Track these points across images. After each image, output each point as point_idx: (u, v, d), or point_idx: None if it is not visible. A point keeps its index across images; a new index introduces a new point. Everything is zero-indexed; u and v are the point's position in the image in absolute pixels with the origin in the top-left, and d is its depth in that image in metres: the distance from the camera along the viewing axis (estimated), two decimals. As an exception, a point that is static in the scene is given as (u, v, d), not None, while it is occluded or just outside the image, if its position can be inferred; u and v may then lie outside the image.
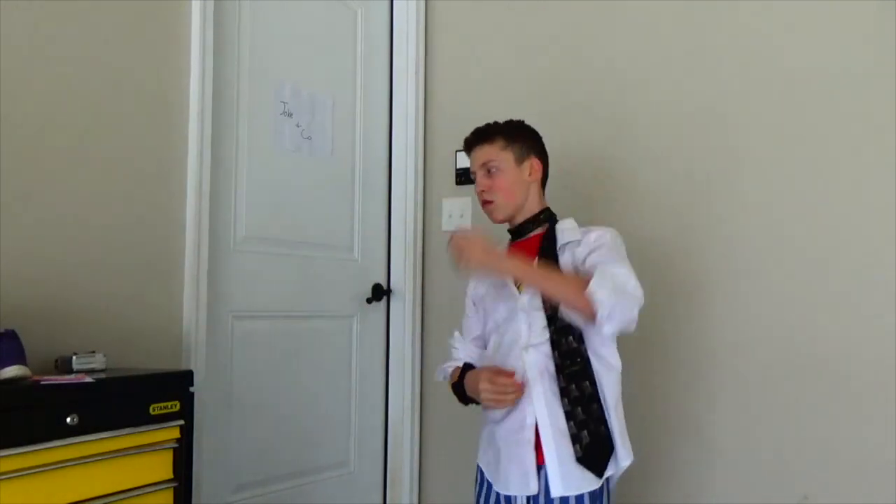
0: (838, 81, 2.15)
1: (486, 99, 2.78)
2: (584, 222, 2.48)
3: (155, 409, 1.83)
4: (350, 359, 2.90)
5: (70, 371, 1.87)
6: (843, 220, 2.13)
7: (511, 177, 1.87)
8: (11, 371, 1.68)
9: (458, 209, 2.81)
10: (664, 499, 2.35)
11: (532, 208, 1.90)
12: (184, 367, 2.26)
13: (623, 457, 1.72)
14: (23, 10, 1.96)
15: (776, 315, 2.21)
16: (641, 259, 2.44)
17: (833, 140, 2.16)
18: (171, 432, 1.87)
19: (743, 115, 2.29)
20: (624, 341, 2.45)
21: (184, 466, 1.89)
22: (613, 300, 1.61)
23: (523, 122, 1.99)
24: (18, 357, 1.70)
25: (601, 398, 1.71)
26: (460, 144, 2.85)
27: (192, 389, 1.94)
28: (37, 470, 1.60)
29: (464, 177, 2.80)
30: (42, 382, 1.69)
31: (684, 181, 2.37)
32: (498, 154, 1.87)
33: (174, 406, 1.87)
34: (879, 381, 2.05)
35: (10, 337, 1.72)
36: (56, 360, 1.91)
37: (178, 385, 1.92)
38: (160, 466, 1.85)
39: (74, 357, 1.89)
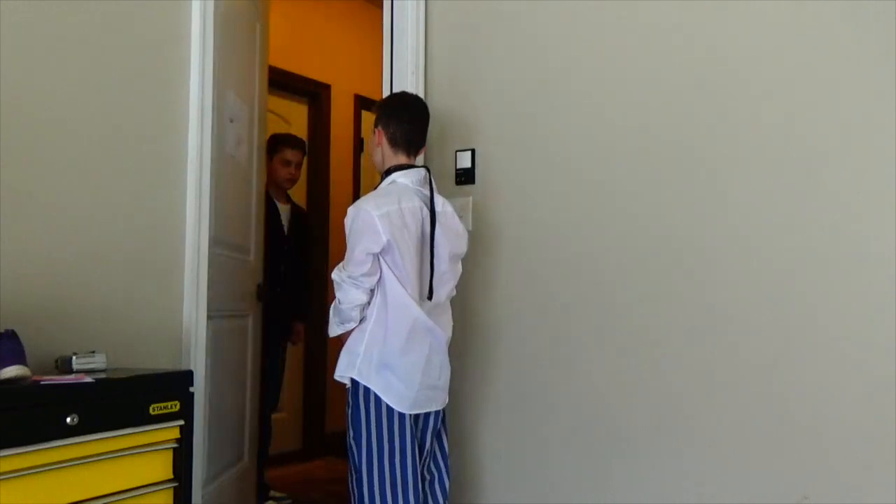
0: (837, 80, 2.15)
1: (485, 99, 2.78)
2: (576, 215, 2.49)
3: (155, 409, 1.83)
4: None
5: (70, 371, 1.87)
6: (843, 216, 2.12)
7: (370, 143, 2.40)
8: (11, 371, 1.68)
9: (458, 209, 2.81)
10: (663, 498, 2.35)
11: (385, 165, 2.32)
12: (184, 367, 2.26)
13: (340, 367, 2.22)
14: (23, 12, 1.96)
15: (775, 313, 2.21)
16: (638, 254, 2.44)
17: (833, 136, 2.16)
18: (171, 432, 1.87)
19: (741, 113, 2.29)
20: (621, 341, 2.45)
21: (184, 466, 1.89)
22: (336, 324, 2.21)
23: (382, 98, 2.47)
24: (18, 357, 1.70)
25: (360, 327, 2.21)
26: (460, 144, 2.86)
27: (191, 389, 1.94)
28: (37, 470, 1.60)
29: (464, 177, 2.80)
30: (42, 382, 1.69)
31: (679, 179, 2.37)
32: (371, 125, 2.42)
33: (174, 406, 1.87)
34: (880, 379, 2.04)
35: (10, 337, 1.72)
36: (56, 360, 1.91)
37: (178, 385, 1.92)
38: (160, 466, 1.86)
39: (74, 357, 1.89)
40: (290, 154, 3.58)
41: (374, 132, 2.36)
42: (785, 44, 2.24)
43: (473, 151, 2.80)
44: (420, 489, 2.18)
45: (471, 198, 2.76)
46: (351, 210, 2.19)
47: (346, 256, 2.18)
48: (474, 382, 2.71)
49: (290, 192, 3.76)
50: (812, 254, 2.17)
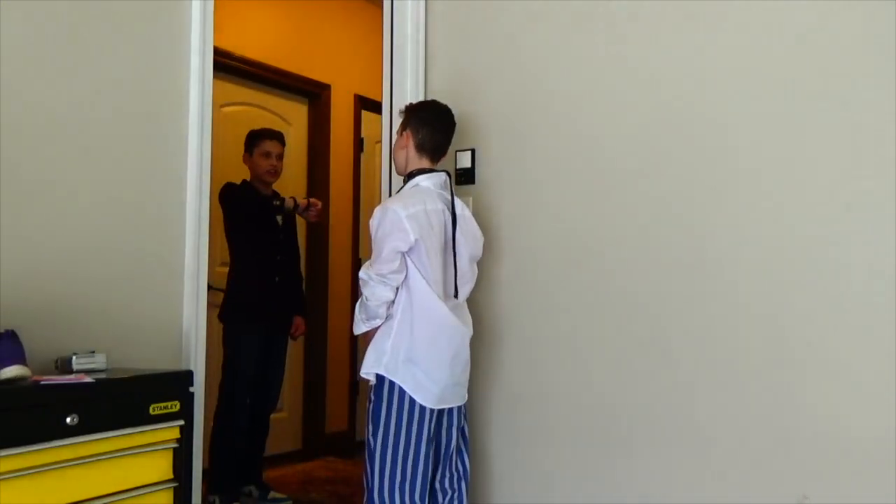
0: (837, 85, 2.15)
1: (485, 99, 2.78)
2: (575, 215, 2.49)
3: (155, 409, 1.83)
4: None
5: (70, 371, 1.87)
6: (842, 217, 2.13)
7: (395, 144, 2.46)
8: (11, 371, 1.68)
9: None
10: (664, 498, 2.35)
11: (408, 168, 2.38)
12: (184, 367, 2.26)
13: (367, 364, 2.22)
14: (23, 13, 1.96)
15: (774, 312, 2.21)
16: (638, 254, 2.45)
17: (830, 139, 2.16)
18: (171, 432, 1.88)
19: (740, 115, 2.29)
20: (622, 341, 2.45)
21: (184, 466, 1.89)
22: (362, 321, 2.25)
23: (412, 103, 2.53)
24: (18, 357, 1.70)
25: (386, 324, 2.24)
26: (460, 144, 2.86)
27: (191, 389, 1.94)
28: (37, 470, 1.60)
29: (464, 177, 2.80)
30: (42, 382, 1.69)
31: (679, 179, 2.37)
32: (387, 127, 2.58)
33: (174, 406, 1.88)
34: (880, 379, 2.05)
35: (10, 337, 1.72)
36: (56, 360, 1.91)
37: (178, 385, 1.92)
38: (160, 466, 1.86)
39: (74, 357, 1.89)
40: (269, 145, 3.53)
41: (402, 135, 2.41)
42: (783, 50, 2.24)
43: (473, 151, 2.80)
44: (427, 487, 2.21)
45: (471, 198, 2.76)
46: (378, 211, 2.24)
47: (373, 255, 2.23)
48: (475, 382, 2.71)
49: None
50: (811, 255, 2.17)
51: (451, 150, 2.83)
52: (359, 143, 4.89)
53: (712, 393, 2.29)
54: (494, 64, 2.78)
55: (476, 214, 2.76)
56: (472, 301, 2.69)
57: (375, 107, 4.36)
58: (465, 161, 2.81)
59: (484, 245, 2.68)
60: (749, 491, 2.21)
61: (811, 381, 2.15)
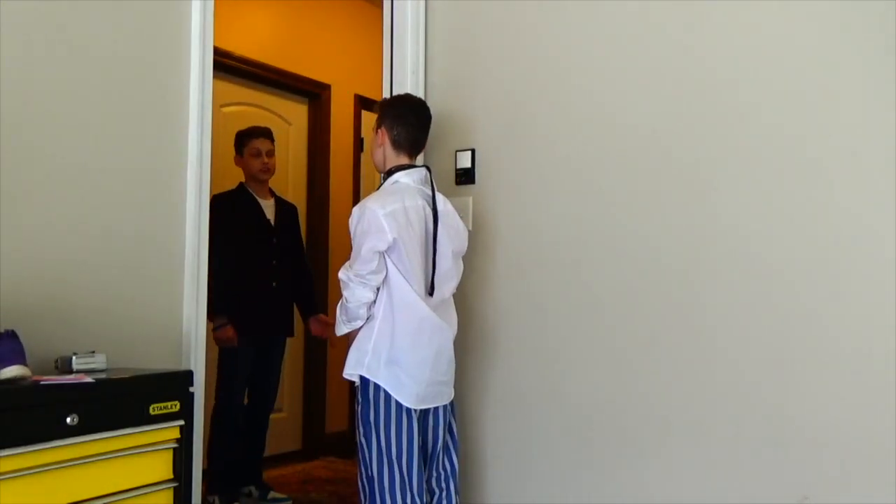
0: (837, 83, 2.15)
1: (485, 99, 2.78)
2: (575, 215, 2.49)
3: (155, 409, 1.83)
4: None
5: (70, 371, 1.87)
6: (842, 217, 2.13)
7: (372, 142, 2.43)
8: (11, 371, 1.68)
9: (458, 209, 2.81)
10: (663, 498, 2.35)
11: (386, 165, 2.37)
12: (184, 367, 2.26)
13: (349, 365, 2.23)
14: (22, 13, 1.96)
15: (775, 311, 2.21)
16: (638, 255, 2.45)
17: (831, 139, 2.16)
18: (171, 432, 1.88)
19: (740, 116, 2.29)
20: (621, 341, 2.45)
21: (184, 466, 1.89)
22: (343, 323, 2.27)
23: (385, 98, 2.55)
24: (18, 357, 1.70)
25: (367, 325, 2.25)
26: (460, 144, 2.86)
27: (191, 389, 1.94)
28: (37, 470, 1.60)
29: (464, 177, 2.80)
30: (42, 382, 1.69)
31: (678, 180, 2.37)
32: (372, 125, 2.46)
33: (174, 406, 1.88)
34: (880, 379, 2.05)
35: (10, 337, 1.72)
36: (56, 360, 1.91)
37: (178, 385, 1.92)
38: (160, 466, 1.86)
39: (74, 357, 1.89)
40: (258, 143, 3.53)
41: (377, 132, 2.38)
42: (787, 48, 2.24)
43: (473, 151, 2.80)
44: (424, 484, 2.21)
45: (471, 198, 2.76)
46: (356, 210, 2.22)
47: (352, 255, 2.21)
48: (473, 382, 2.71)
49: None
50: (810, 254, 2.17)
51: (451, 150, 2.84)
52: (359, 143, 4.89)
53: (712, 393, 2.29)
54: (495, 64, 2.78)
55: (476, 214, 2.76)
56: (469, 300, 2.69)
57: (375, 107, 4.38)
58: (465, 161, 2.81)
59: (483, 245, 2.68)
60: (749, 491, 2.21)
61: (811, 380, 2.15)
